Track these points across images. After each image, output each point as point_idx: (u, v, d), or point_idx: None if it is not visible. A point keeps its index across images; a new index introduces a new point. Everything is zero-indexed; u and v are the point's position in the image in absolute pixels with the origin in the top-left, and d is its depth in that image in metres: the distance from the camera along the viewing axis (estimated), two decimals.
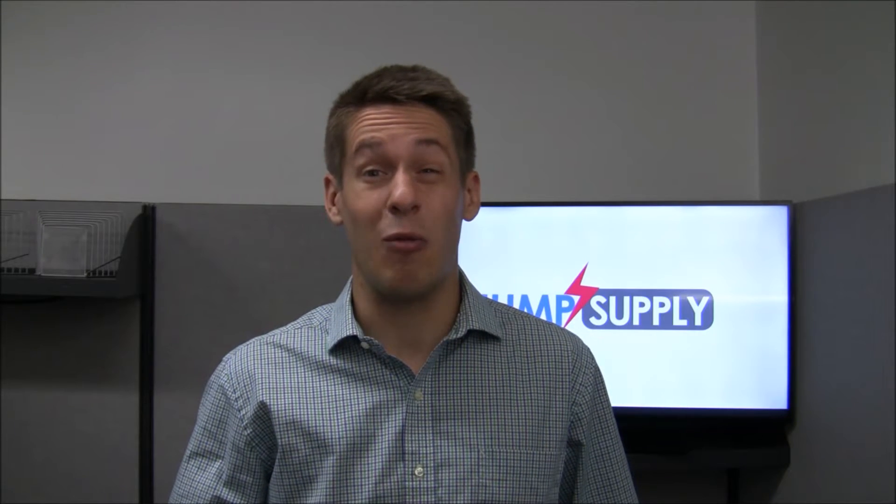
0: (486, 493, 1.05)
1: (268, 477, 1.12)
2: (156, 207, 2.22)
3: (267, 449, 1.11)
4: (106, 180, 2.27)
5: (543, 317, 2.02)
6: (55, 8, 2.29)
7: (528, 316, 1.21)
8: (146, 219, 2.20)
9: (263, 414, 1.10)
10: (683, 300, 2.01)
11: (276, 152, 2.29)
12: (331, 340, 1.11)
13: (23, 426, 2.19)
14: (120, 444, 2.19)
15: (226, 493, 1.11)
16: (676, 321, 2.01)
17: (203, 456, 1.14)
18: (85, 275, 2.06)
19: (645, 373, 1.99)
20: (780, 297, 1.98)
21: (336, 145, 1.10)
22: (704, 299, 2.01)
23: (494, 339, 1.13)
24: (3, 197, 2.17)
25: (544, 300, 2.04)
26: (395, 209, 1.02)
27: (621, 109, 2.30)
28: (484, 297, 1.18)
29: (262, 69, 2.31)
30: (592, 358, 1.20)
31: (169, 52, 2.31)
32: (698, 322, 2.00)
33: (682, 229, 2.03)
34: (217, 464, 1.13)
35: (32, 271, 2.09)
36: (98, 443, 2.19)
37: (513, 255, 2.05)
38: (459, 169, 1.10)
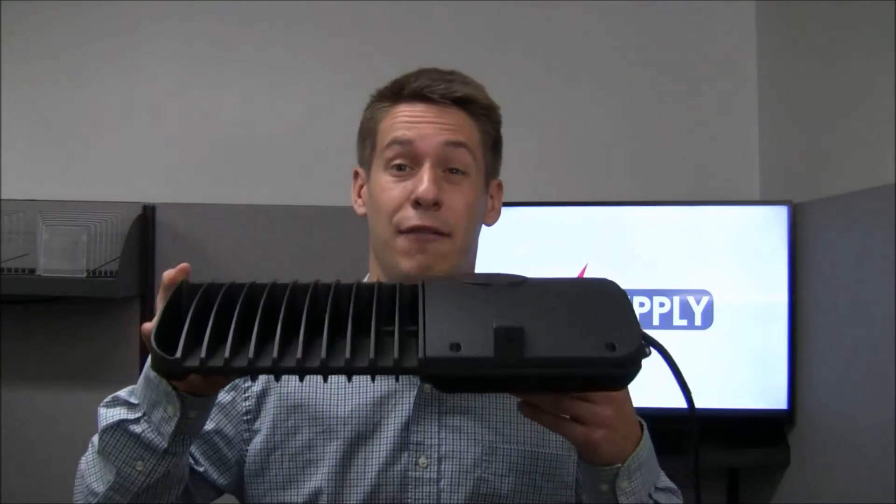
0: (487, 488, 1.06)
1: (232, 465, 1.10)
2: (156, 207, 2.22)
3: (252, 430, 1.10)
4: (106, 180, 2.27)
5: None
6: (55, 8, 2.29)
7: None
8: (146, 219, 2.20)
9: (265, 393, 1.11)
10: (683, 300, 2.01)
11: (276, 152, 2.29)
12: None
13: (23, 426, 2.19)
14: None
15: (192, 447, 1.08)
16: (676, 321, 2.01)
17: None
18: (85, 275, 2.06)
19: (645, 373, 1.99)
20: (780, 297, 1.98)
21: (368, 137, 1.13)
22: (704, 299, 2.01)
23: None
24: (3, 197, 2.17)
25: None
26: (417, 203, 1.04)
27: (621, 109, 2.31)
28: None
29: (262, 69, 2.31)
30: None
31: (169, 52, 2.31)
32: (698, 322, 2.00)
33: (682, 229, 2.03)
34: None
35: (32, 271, 2.09)
36: None
37: (513, 255, 2.05)
38: (485, 173, 1.13)
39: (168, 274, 0.89)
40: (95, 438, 1.01)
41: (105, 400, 1.05)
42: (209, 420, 1.08)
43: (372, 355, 0.77)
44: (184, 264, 0.90)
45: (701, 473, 0.89)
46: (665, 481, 1.09)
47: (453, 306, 0.82)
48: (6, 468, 2.18)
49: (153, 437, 0.94)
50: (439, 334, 0.78)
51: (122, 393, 1.04)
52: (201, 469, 1.09)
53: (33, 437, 2.20)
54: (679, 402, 0.90)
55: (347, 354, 0.77)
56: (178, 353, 0.77)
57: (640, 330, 0.81)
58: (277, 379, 0.85)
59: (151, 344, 0.78)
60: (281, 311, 0.80)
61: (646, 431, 0.93)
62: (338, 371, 0.77)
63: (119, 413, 0.99)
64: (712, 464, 2.11)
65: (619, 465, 0.89)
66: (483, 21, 2.30)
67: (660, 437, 1.02)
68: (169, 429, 0.92)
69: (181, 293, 0.85)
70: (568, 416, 0.87)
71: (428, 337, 0.78)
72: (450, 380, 0.79)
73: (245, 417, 1.11)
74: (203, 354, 0.77)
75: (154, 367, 0.79)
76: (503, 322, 0.77)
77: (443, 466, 1.06)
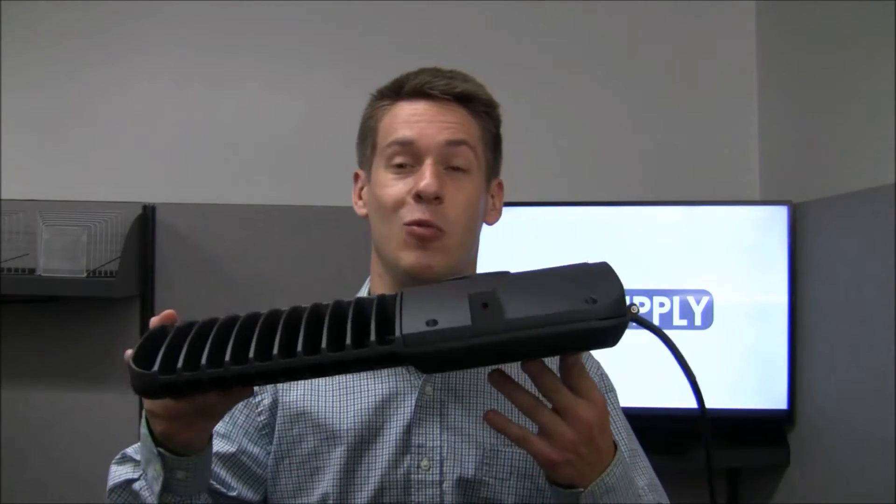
0: (488, 491, 1.06)
1: (263, 480, 1.12)
2: (156, 207, 2.22)
3: (273, 441, 1.11)
4: (106, 180, 2.27)
5: None
6: (55, 8, 2.29)
7: None
8: (146, 219, 2.20)
9: (275, 405, 1.12)
10: (683, 300, 2.01)
11: (276, 152, 2.29)
12: None
13: (23, 426, 2.20)
14: (120, 444, 2.17)
15: (222, 472, 1.09)
16: (676, 321, 2.01)
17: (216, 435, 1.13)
18: (85, 275, 2.06)
19: (645, 373, 2.00)
20: (780, 297, 1.98)
21: (368, 136, 1.13)
22: (704, 299, 2.01)
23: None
24: (3, 197, 2.18)
25: None
26: (419, 197, 1.04)
27: (621, 109, 2.31)
28: None
29: (261, 69, 2.31)
30: (599, 365, 1.21)
31: (169, 53, 2.31)
32: (698, 322, 2.00)
33: (682, 229, 2.03)
34: (221, 443, 1.11)
35: (32, 271, 2.09)
36: (98, 443, 2.19)
37: (513, 255, 2.05)
38: (485, 171, 1.13)
39: (154, 321, 0.88)
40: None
41: (116, 457, 1.08)
42: (231, 443, 1.10)
43: (348, 341, 0.76)
44: (169, 311, 0.88)
45: (713, 460, 0.86)
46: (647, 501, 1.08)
47: (431, 296, 0.81)
48: (6, 468, 2.18)
49: (147, 495, 0.97)
50: (416, 316, 0.77)
51: (130, 450, 1.07)
52: (234, 493, 1.10)
53: (33, 437, 2.20)
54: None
55: (324, 344, 0.76)
56: (156, 367, 0.77)
57: (622, 286, 0.79)
58: (262, 383, 0.83)
59: (130, 364, 0.78)
60: (258, 324, 0.80)
61: (618, 457, 0.90)
62: (314, 365, 0.76)
63: (127, 471, 1.03)
64: (712, 464, 2.11)
65: (581, 489, 0.87)
66: (483, 21, 2.30)
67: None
68: (157, 487, 0.93)
69: (165, 326, 0.85)
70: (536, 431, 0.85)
71: (405, 318, 0.77)
72: (431, 356, 0.77)
73: (263, 432, 1.11)
74: (180, 364, 0.77)
75: (133, 386, 0.79)
76: (476, 290, 0.76)
77: (445, 468, 1.06)
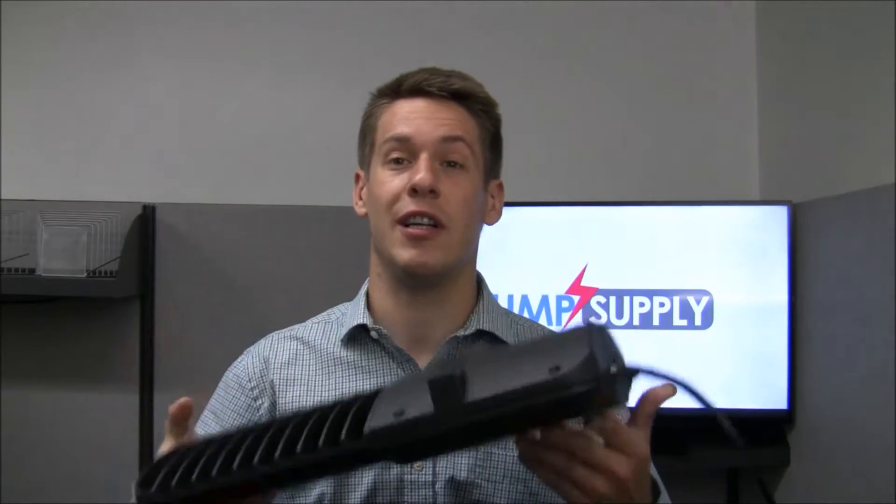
0: (480, 493, 1.06)
1: None
2: (156, 207, 2.22)
3: None
4: (106, 180, 2.27)
5: (543, 317, 2.03)
6: (55, 8, 2.29)
7: (543, 328, 1.23)
8: (146, 219, 2.20)
9: (273, 406, 1.12)
10: (683, 300, 2.01)
11: (276, 152, 2.29)
12: (344, 331, 1.14)
13: (23, 426, 2.19)
14: (120, 444, 2.19)
15: None
16: (676, 321, 2.01)
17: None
18: (85, 275, 2.06)
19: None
20: (780, 297, 1.98)
21: (368, 134, 1.14)
22: (704, 299, 2.01)
23: (504, 344, 1.14)
24: (3, 197, 2.17)
25: (544, 300, 2.04)
26: (414, 191, 1.05)
27: (621, 109, 2.30)
28: (500, 306, 1.20)
29: (262, 69, 2.31)
30: None
31: (169, 53, 2.31)
32: (698, 322, 2.00)
33: (682, 229, 2.03)
34: None
35: (32, 271, 2.09)
36: (98, 443, 2.19)
37: (513, 255, 2.05)
38: (483, 169, 1.13)
39: (172, 408, 0.89)
40: None
41: None
42: None
43: (321, 444, 0.77)
44: (185, 400, 0.90)
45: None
46: None
47: (413, 381, 0.81)
48: (6, 468, 2.18)
49: None
50: (386, 407, 0.77)
51: None
52: None
53: (33, 437, 2.20)
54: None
55: (298, 449, 0.78)
56: (153, 488, 0.82)
57: (589, 350, 0.72)
58: (253, 492, 0.83)
59: (133, 487, 0.83)
60: (249, 436, 0.83)
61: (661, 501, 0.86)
62: (289, 469, 0.78)
63: None
64: (712, 464, 2.11)
65: None
66: (482, 22, 2.30)
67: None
68: None
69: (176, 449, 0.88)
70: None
71: (376, 409, 0.77)
72: (400, 448, 0.76)
73: None
74: (174, 483, 0.81)
75: None
76: (437, 375, 0.74)
77: (437, 469, 1.06)
